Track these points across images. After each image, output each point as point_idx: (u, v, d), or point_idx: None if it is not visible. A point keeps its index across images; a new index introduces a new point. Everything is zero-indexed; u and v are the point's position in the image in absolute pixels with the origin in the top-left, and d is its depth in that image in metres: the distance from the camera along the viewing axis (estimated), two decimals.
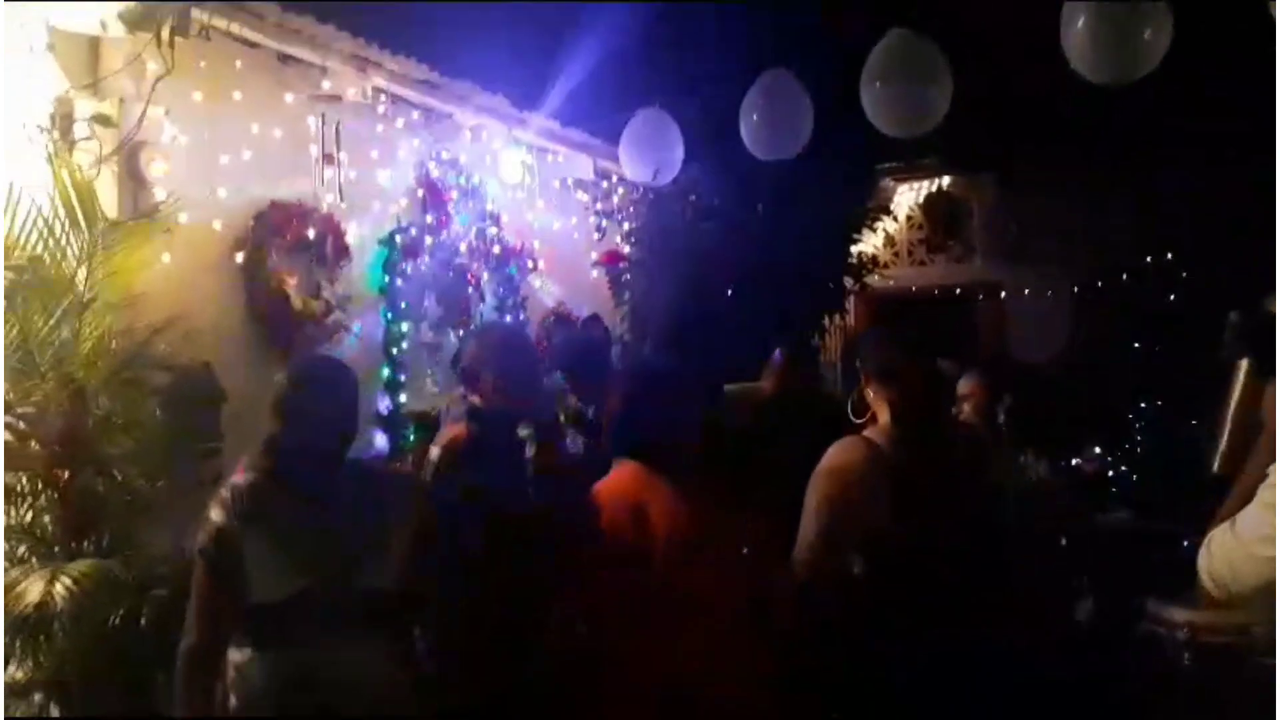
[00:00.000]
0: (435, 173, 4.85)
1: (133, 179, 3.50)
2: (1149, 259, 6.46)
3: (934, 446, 2.56)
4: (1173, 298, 6.18)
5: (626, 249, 6.02)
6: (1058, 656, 2.97)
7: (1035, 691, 2.58)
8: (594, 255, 5.98)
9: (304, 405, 2.16)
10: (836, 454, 2.54)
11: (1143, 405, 4.94)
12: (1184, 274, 6.35)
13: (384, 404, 4.59)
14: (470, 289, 4.96)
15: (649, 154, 4.81)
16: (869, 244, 7.39)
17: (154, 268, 3.42)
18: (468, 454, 2.55)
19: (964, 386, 3.65)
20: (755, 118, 4.40)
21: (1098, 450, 4.72)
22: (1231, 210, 5.72)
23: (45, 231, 3.08)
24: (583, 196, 5.91)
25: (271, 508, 2.14)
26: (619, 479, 2.37)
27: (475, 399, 2.78)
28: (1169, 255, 6.54)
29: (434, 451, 2.76)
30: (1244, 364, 3.76)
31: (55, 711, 2.95)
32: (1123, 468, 4.68)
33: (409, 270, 4.64)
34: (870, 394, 2.61)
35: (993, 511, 2.78)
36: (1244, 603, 1.82)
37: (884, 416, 2.57)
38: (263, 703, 2.09)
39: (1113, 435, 4.92)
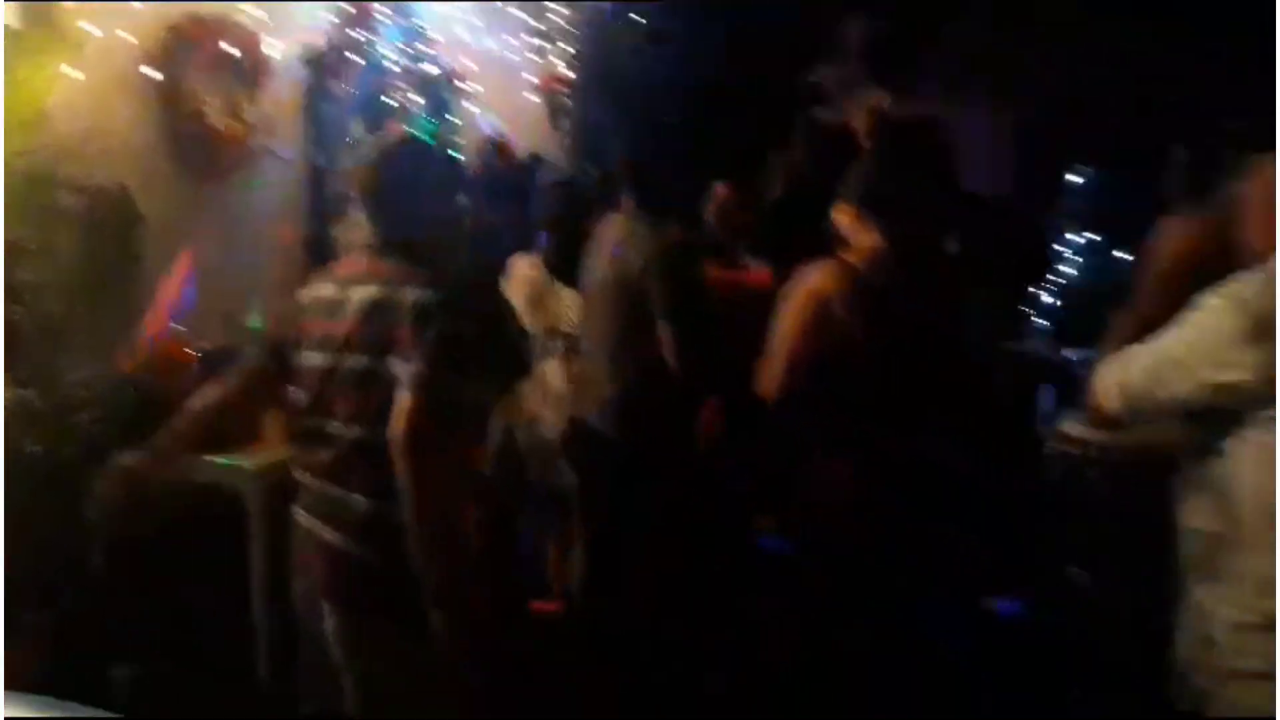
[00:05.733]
0: None
1: None
2: (1085, 97, 6.39)
3: (917, 273, 2.62)
4: (1110, 133, 6.15)
5: (566, 72, 5.81)
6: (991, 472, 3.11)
7: (966, 504, 2.72)
8: (532, 79, 5.76)
9: None
10: (815, 277, 2.57)
11: (1070, 236, 4.99)
12: (1123, 107, 6.30)
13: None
14: (400, 113, 4.77)
15: None
16: (815, 73, 7.19)
17: (62, 84, 3.24)
18: None
19: None
20: None
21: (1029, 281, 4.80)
22: (1177, 48, 5.65)
23: None
24: (519, 14, 5.64)
25: None
26: None
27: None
28: (1108, 92, 6.47)
29: None
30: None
31: None
32: (1051, 298, 4.77)
33: (334, 92, 4.44)
34: (848, 220, 2.62)
35: (959, 339, 2.84)
36: (1140, 418, 1.87)
37: (867, 240, 2.58)
38: None
39: (1044, 266, 4.99)
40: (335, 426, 2.15)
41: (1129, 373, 1.85)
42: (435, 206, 2.25)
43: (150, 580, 3.09)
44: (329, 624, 2.17)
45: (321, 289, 2.25)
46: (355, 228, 3.19)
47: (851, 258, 2.61)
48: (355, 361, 2.10)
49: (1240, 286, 1.74)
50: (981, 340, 3.69)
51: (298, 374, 2.25)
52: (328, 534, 2.15)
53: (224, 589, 3.13)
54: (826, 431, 2.62)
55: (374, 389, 2.07)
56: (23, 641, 2.82)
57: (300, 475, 2.25)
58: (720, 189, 4.39)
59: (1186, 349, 1.77)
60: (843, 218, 2.66)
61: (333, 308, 2.17)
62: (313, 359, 2.20)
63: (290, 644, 3.20)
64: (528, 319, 3.52)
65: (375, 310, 2.09)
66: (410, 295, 2.06)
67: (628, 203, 2.98)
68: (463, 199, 2.81)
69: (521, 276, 3.57)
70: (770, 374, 2.59)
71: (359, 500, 2.11)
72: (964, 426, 2.93)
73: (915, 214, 2.70)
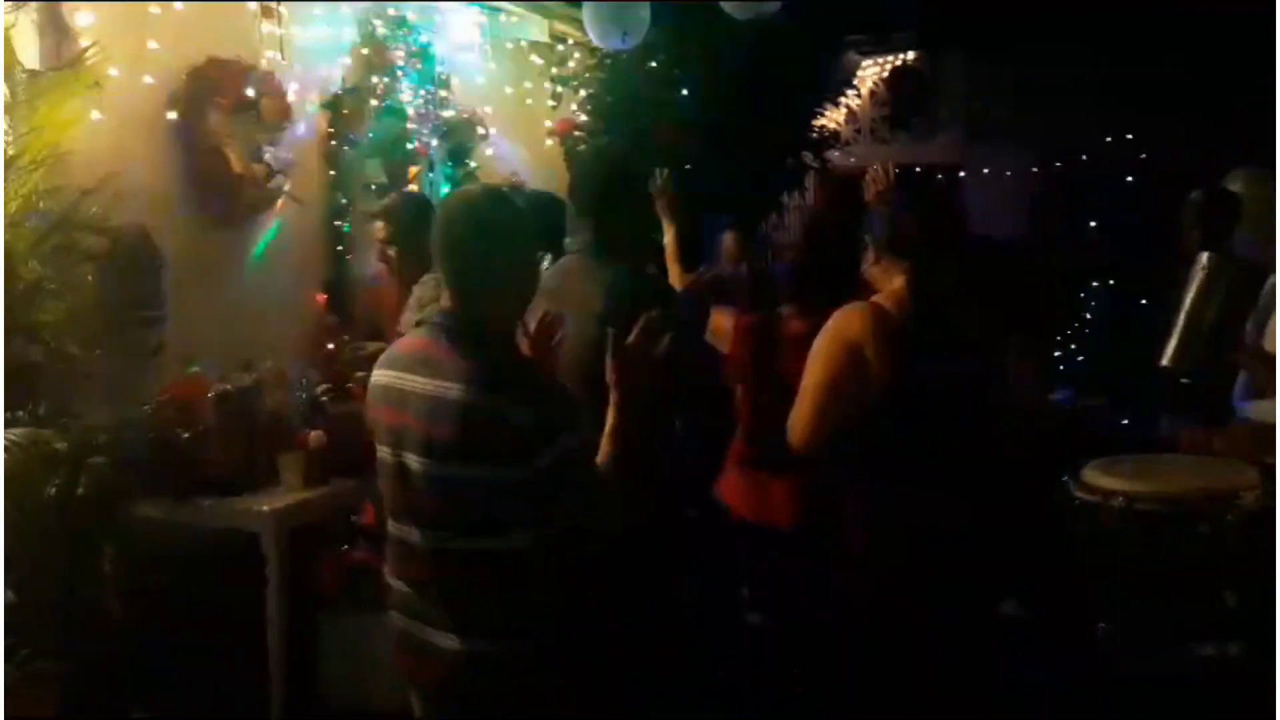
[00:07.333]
0: (381, 31, 4.62)
1: (54, 29, 3.28)
2: (1109, 139, 6.41)
3: (946, 317, 2.55)
4: (1130, 179, 6.17)
5: (583, 117, 5.84)
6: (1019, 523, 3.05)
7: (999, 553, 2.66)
8: (548, 124, 5.79)
9: None
10: (842, 318, 2.53)
11: (1095, 285, 4.98)
12: (1143, 155, 6.33)
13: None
14: (418, 157, 4.79)
15: (615, 16, 4.61)
16: (830, 120, 7.25)
17: (82, 125, 3.24)
18: None
19: None
20: None
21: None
22: (1191, 92, 5.68)
23: None
24: (537, 60, 5.69)
25: None
26: None
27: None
28: (1129, 136, 6.51)
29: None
30: (1204, 258, 3.80)
31: None
32: (1072, 345, 4.74)
33: (353, 135, 4.46)
34: (877, 266, 2.59)
35: (992, 384, 2.76)
36: None
37: (895, 284, 2.54)
38: None
39: (1066, 314, 4.97)
40: (420, 533, 1.96)
41: None
42: (515, 267, 1.99)
43: (167, 627, 3.04)
44: None
45: (384, 374, 2.02)
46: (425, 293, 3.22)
47: (882, 299, 2.55)
48: (435, 468, 1.89)
49: None
50: (1009, 388, 3.66)
51: (379, 467, 2.05)
52: (438, 637, 1.97)
53: (242, 636, 3.07)
54: (858, 479, 2.58)
55: (457, 497, 1.90)
56: (37, 689, 2.76)
57: (392, 580, 2.06)
58: (729, 237, 4.40)
59: None
60: (870, 264, 2.63)
61: (400, 398, 1.95)
62: (389, 455, 1.99)
63: (305, 691, 3.17)
64: None
65: (457, 415, 1.86)
66: (514, 414, 1.84)
67: (583, 243, 2.72)
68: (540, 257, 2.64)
69: None
70: (799, 422, 2.55)
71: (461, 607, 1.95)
72: (993, 472, 2.88)
73: (940, 257, 2.68)
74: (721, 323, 3.29)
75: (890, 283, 2.56)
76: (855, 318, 2.50)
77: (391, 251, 3.53)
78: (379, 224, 3.59)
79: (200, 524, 3.14)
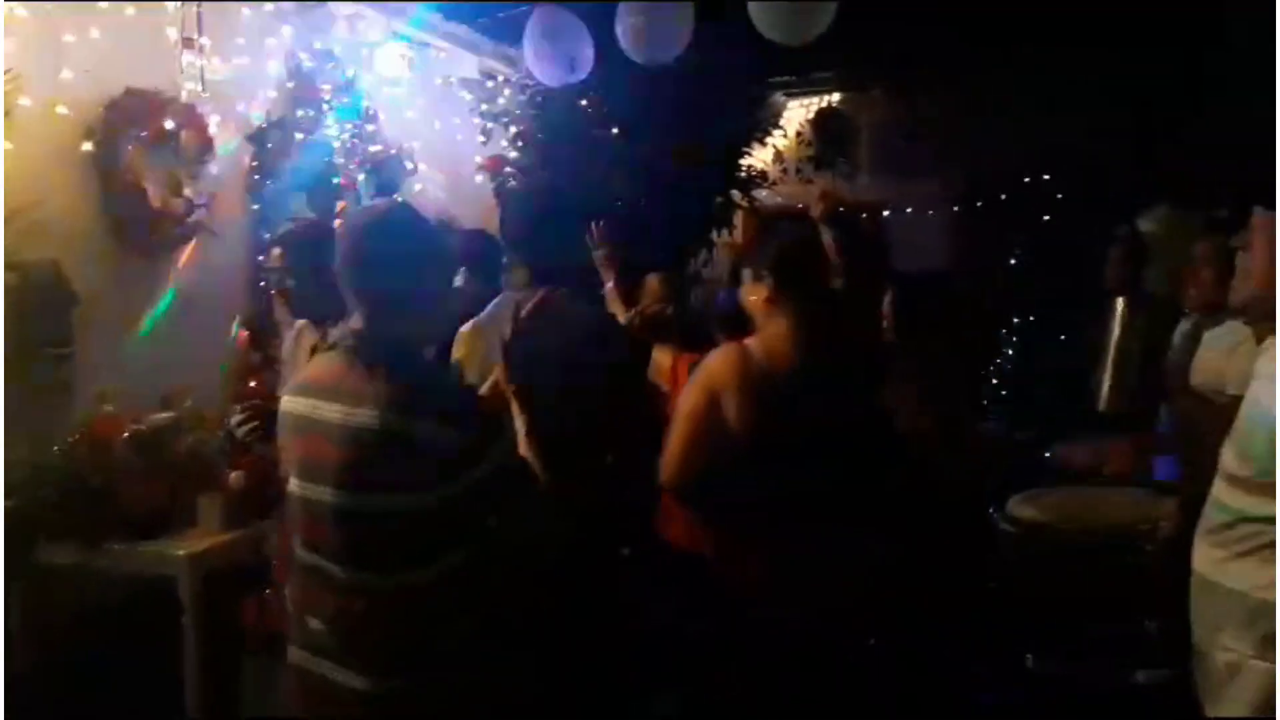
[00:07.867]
0: (307, 64, 4.56)
1: None
2: (1027, 179, 6.60)
3: (822, 360, 2.48)
4: (1048, 217, 6.34)
5: (513, 154, 5.83)
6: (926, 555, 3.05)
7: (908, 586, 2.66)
8: (478, 160, 5.77)
9: None
10: (712, 361, 2.48)
11: (1015, 320, 5.10)
12: (1059, 195, 6.52)
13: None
14: (344, 191, 4.72)
15: (559, 51, 4.60)
16: (757, 159, 7.35)
17: None
18: None
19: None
20: (634, 19, 4.29)
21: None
22: (1108, 129, 5.88)
23: None
24: (467, 96, 5.67)
25: None
26: None
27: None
28: (1046, 176, 6.70)
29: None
30: (1119, 302, 3.94)
31: None
32: (994, 380, 4.84)
33: (278, 170, 4.38)
34: (756, 300, 2.51)
35: (873, 427, 2.71)
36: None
37: (775, 326, 2.46)
38: None
39: (988, 348, 5.07)
40: (336, 567, 1.85)
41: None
42: (429, 282, 1.92)
43: (78, 678, 2.90)
44: None
45: (294, 402, 1.92)
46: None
47: (753, 345, 2.46)
48: (352, 500, 1.81)
49: None
50: (927, 420, 3.71)
51: (289, 500, 1.96)
52: (343, 676, 1.85)
53: (157, 687, 2.94)
54: (729, 520, 2.52)
55: (377, 529, 1.81)
56: None
57: (299, 614, 1.94)
58: (653, 279, 4.39)
59: None
60: (753, 297, 2.52)
61: (313, 428, 1.85)
62: (299, 488, 1.89)
63: None
64: None
65: (377, 443, 1.77)
66: (439, 436, 1.77)
67: (517, 279, 2.71)
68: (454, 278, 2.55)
69: None
70: (666, 459, 2.47)
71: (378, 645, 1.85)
72: (894, 513, 2.86)
73: (829, 297, 2.63)
74: (663, 361, 3.30)
75: (771, 324, 2.48)
76: (721, 364, 2.45)
77: (290, 282, 3.10)
78: (275, 251, 3.20)
79: (114, 568, 3.02)
